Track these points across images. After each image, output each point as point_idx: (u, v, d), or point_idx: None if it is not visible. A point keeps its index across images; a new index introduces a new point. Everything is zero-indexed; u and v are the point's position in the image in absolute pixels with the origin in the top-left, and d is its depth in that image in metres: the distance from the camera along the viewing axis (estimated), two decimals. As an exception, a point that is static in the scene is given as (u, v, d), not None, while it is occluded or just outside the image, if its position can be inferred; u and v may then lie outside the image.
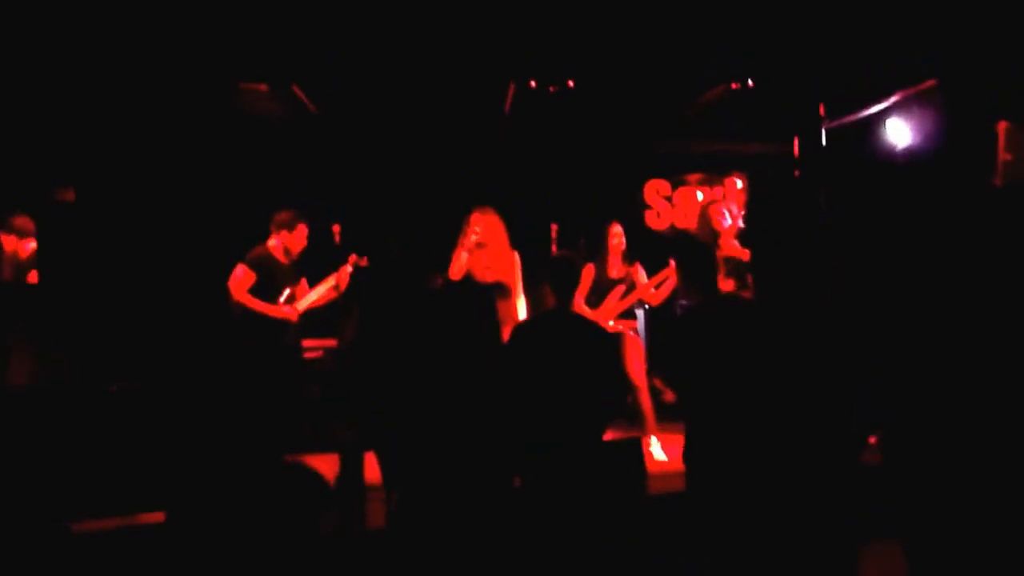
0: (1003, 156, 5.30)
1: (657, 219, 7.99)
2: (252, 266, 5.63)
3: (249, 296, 5.60)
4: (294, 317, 5.74)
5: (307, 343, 6.15)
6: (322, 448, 5.56)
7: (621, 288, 5.77)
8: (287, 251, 5.78)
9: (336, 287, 5.85)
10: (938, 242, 4.17)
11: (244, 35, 6.10)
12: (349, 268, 5.82)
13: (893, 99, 6.70)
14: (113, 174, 6.44)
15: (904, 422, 3.63)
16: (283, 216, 5.76)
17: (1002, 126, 5.53)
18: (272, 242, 5.77)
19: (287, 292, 5.76)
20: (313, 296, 5.85)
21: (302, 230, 5.80)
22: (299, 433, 5.63)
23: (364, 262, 5.87)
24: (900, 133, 6.73)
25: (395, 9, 6.01)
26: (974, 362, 3.48)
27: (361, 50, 6.34)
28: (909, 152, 6.62)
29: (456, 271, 5.47)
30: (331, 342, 6.17)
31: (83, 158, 6.32)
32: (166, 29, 5.89)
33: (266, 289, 5.66)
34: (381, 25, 6.11)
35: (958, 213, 4.72)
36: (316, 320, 5.97)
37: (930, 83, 6.39)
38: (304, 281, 5.94)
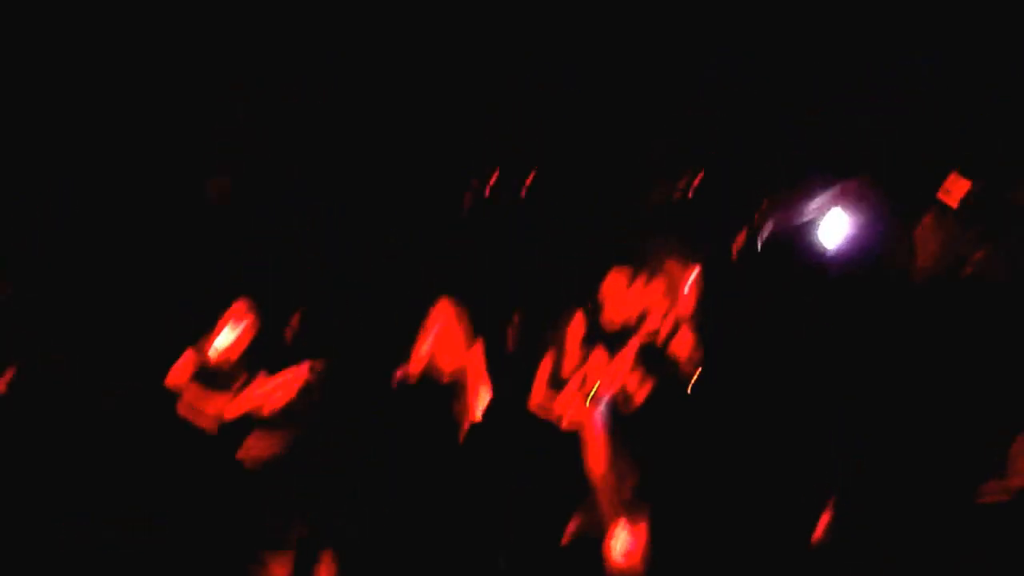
0: (931, 250, 5.60)
1: (615, 309, 8.13)
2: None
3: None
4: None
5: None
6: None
7: (578, 379, 5.88)
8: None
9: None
10: (871, 331, 4.43)
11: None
12: (306, 370, 5.75)
13: (825, 197, 7.03)
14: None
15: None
16: None
17: (928, 219, 5.86)
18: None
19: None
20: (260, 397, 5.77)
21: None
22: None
23: (319, 366, 5.82)
24: (838, 226, 7.04)
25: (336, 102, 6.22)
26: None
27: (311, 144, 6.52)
28: (844, 249, 6.92)
29: (417, 364, 5.53)
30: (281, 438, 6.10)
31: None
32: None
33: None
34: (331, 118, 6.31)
35: (886, 308, 5.04)
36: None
37: (860, 179, 6.75)
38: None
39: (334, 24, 6.36)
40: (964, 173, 6.59)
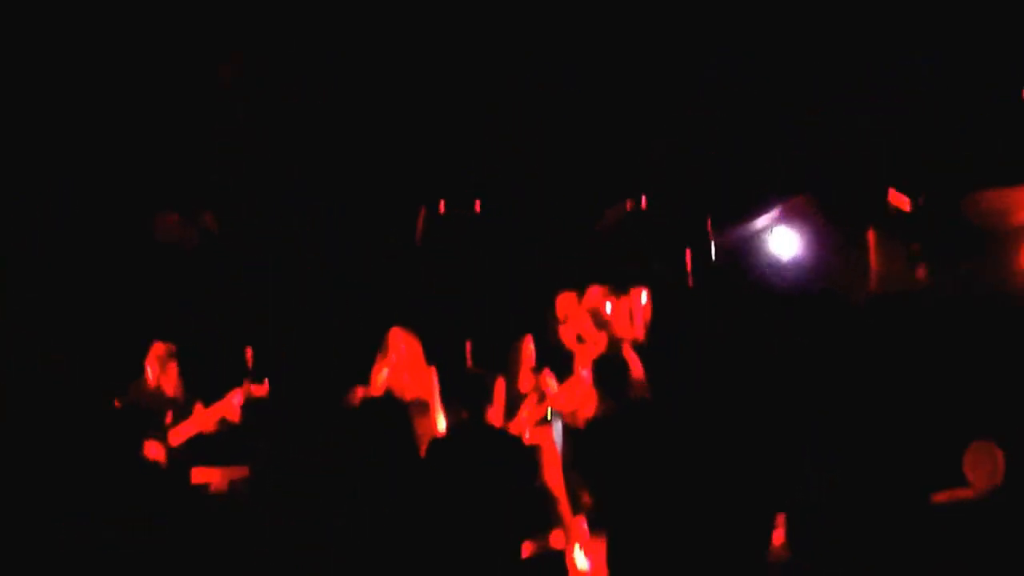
0: (874, 265, 5.74)
1: (566, 331, 8.22)
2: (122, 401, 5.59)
3: None
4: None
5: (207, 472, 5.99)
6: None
7: (532, 399, 5.93)
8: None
9: (221, 419, 5.71)
10: (820, 347, 4.55)
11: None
12: (240, 398, 5.72)
13: (775, 211, 7.22)
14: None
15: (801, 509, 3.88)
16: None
17: (871, 235, 6.00)
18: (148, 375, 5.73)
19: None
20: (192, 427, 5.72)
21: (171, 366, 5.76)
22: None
23: (261, 389, 5.79)
24: (784, 244, 7.22)
25: (308, 138, 6.27)
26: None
27: (275, 175, 6.53)
28: (794, 262, 7.09)
29: (376, 388, 5.54)
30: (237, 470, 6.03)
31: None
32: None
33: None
34: (298, 149, 6.35)
35: (837, 320, 5.17)
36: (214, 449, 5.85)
37: (805, 195, 6.94)
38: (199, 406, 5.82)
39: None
40: (904, 190, 6.82)
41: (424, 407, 5.71)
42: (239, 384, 5.81)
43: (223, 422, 5.70)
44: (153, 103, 6.42)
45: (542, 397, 5.99)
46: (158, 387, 5.74)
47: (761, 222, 7.30)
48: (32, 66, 5.98)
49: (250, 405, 5.71)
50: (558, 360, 6.27)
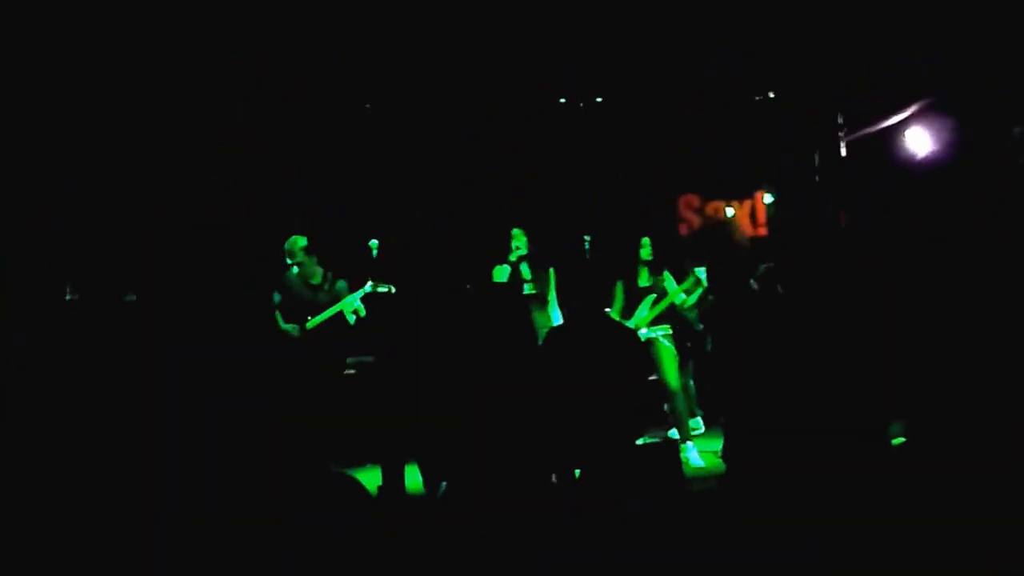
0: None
1: (688, 231, 8.18)
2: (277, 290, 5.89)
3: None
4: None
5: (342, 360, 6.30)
6: (365, 461, 5.82)
7: (651, 296, 5.93)
8: (304, 276, 5.99)
9: (355, 311, 5.92)
10: (954, 246, 4.32)
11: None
12: (365, 292, 5.90)
13: (912, 109, 6.84)
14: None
15: (925, 415, 3.76)
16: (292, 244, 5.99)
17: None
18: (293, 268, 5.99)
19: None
20: (325, 315, 5.96)
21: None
22: (342, 447, 5.81)
23: (388, 284, 5.95)
24: (920, 143, 6.86)
25: (439, 25, 6.26)
26: (985, 358, 3.62)
27: (407, 66, 6.57)
28: (928, 161, 6.74)
29: (498, 282, 5.73)
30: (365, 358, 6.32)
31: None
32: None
33: (291, 312, 5.91)
34: (425, 38, 6.35)
35: (973, 218, 4.87)
36: (349, 339, 6.12)
37: (948, 92, 6.53)
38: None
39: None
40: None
41: (543, 303, 5.87)
42: (368, 279, 6.04)
43: (354, 313, 5.95)
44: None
45: (660, 295, 5.98)
46: (302, 277, 6.00)
47: (895, 120, 6.94)
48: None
49: (377, 298, 5.92)
50: (677, 260, 6.23)
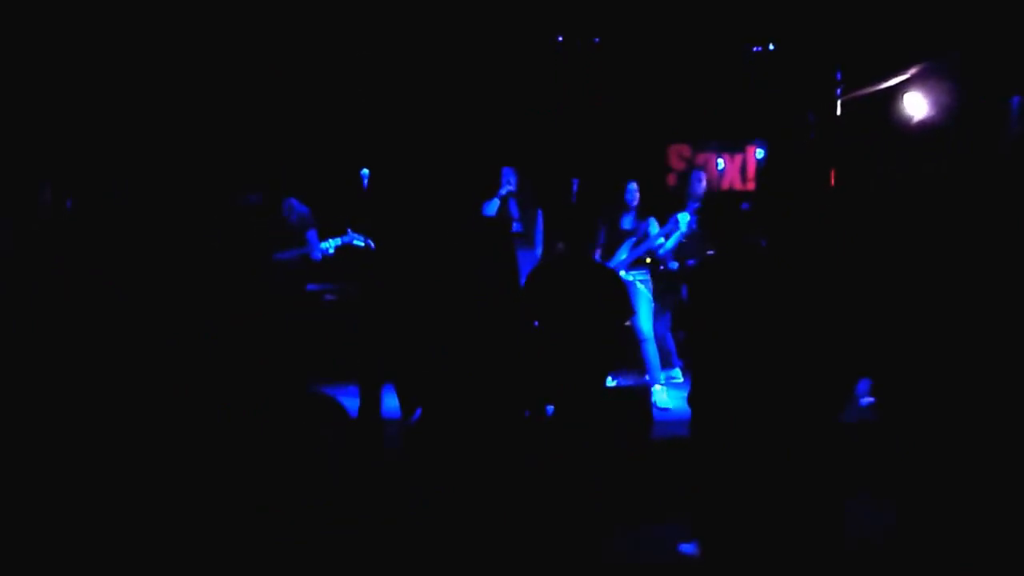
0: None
1: (676, 181, 8.19)
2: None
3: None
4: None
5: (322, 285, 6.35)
6: (343, 381, 5.86)
7: (632, 239, 6.00)
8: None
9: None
10: (946, 211, 4.34)
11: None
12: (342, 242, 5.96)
13: (910, 72, 6.82)
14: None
15: (902, 381, 3.83)
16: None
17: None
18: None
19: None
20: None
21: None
22: (321, 367, 5.89)
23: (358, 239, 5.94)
24: (916, 106, 6.86)
25: None
26: (976, 328, 3.67)
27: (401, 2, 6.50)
28: (924, 124, 6.75)
29: (485, 218, 5.77)
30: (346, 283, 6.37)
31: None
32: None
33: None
34: None
35: (968, 183, 4.88)
36: (331, 264, 6.16)
37: (948, 55, 6.50)
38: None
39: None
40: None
41: (528, 241, 5.93)
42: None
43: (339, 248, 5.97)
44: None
45: (643, 240, 6.04)
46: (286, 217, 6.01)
47: (893, 81, 6.92)
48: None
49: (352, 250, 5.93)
50: (663, 206, 6.27)
